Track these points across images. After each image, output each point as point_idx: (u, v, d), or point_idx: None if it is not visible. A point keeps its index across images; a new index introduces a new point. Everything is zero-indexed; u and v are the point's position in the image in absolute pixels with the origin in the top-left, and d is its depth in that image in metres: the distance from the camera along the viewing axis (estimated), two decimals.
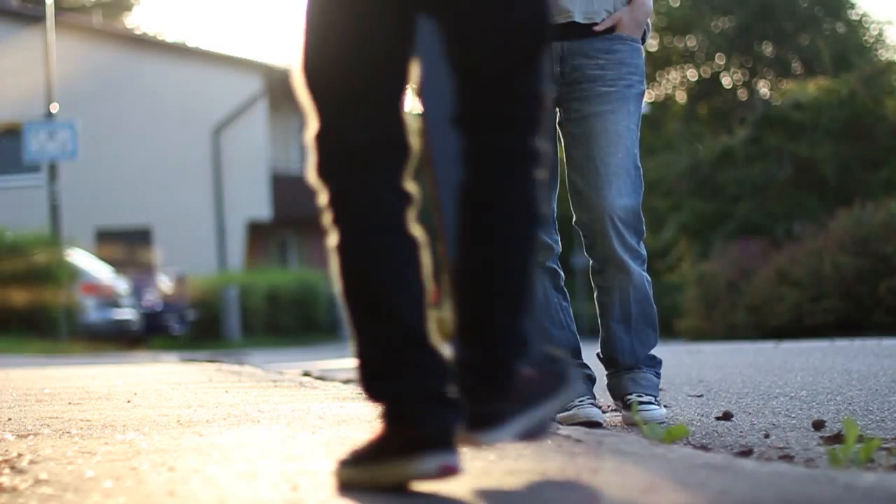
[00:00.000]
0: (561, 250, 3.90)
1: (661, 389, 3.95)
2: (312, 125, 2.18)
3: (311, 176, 2.19)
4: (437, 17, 2.17)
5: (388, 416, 2.12)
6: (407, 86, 2.18)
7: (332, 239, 2.17)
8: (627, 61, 3.78)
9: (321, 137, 2.17)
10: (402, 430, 2.09)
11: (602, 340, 3.94)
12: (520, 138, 2.17)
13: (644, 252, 3.89)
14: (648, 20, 3.87)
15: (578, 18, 3.76)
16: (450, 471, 2.05)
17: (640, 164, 3.84)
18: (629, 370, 3.87)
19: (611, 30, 3.79)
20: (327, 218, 2.17)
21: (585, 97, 3.79)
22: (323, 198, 2.18)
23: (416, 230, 2.19)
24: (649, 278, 3.93)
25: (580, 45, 3.77)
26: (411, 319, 2.12)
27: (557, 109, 3.86)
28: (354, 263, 2.16)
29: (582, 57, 3.77)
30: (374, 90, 2.15)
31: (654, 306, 3.93)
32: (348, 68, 2.14)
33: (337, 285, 2.22)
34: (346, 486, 2.13)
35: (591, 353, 3.93)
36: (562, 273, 3.93)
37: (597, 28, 3.77)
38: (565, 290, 3.93)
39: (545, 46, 2.20)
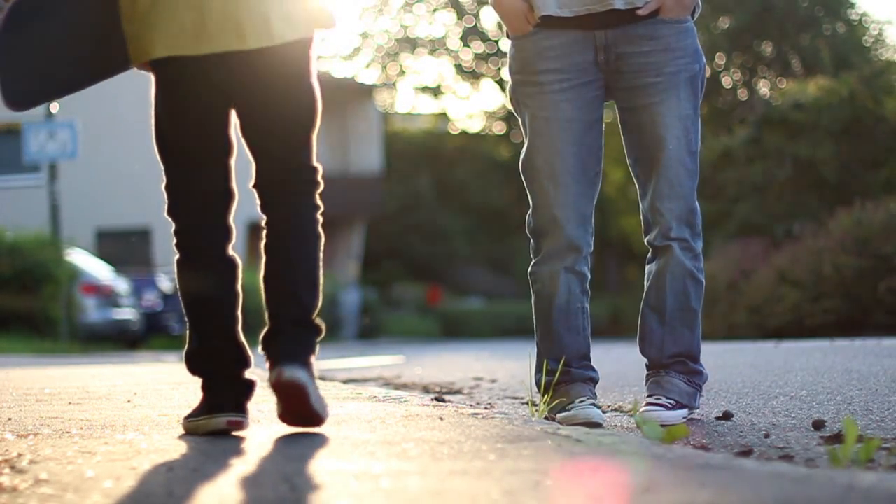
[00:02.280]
0: (592, 250, 3.85)
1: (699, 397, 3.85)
2: (164, 178, 3.13)
3: (165, 213, 3.12)
4: (239, 113, 3.10)
5: (204, 388, 3.15)
6: (232, 150, 3.12)
7: (176, 257, 3.13)
8: (673, 46, 3.69)
9: (170, 187, 3.14)
10: (209, 398, 3.12)
11: (638, 331, 3.87)
12: (300, 196, 3.10)
13: (697, 248, 3.78)
14: None
15: (618, 5, 3.66)
16: (235, 424, 3.07)
17: (696, 148, 3.74)
18: (656, 371, 3.82)
19: (654, 13, 3.68)
20: (174, 242, 3.11)
21: (633, 87, 3.72)
22: (172, 229, 3.12)
23: (233, 254, 3.15)
24: (700, 279, 3.80)
25: (623, 31, 3.68)
26: (227, 319, 3.13)
27: (604, 102, 3.79)
28: (190, 278, 3.11)
29: (626, 44, 3.69)
30: (208, 155, 3.11)
31: (697, 310, 3.80)
32: (189, 141, 3.09)
33: (178, 290, 3.13)
34: (186, 433, 3.11)
35: (596, 354, 3.93)
36: (588, 275, 3.85)
37: (640, 12, 3.66)
38: (589, 291, 3.89)
39: (315, 130, 3.10)
